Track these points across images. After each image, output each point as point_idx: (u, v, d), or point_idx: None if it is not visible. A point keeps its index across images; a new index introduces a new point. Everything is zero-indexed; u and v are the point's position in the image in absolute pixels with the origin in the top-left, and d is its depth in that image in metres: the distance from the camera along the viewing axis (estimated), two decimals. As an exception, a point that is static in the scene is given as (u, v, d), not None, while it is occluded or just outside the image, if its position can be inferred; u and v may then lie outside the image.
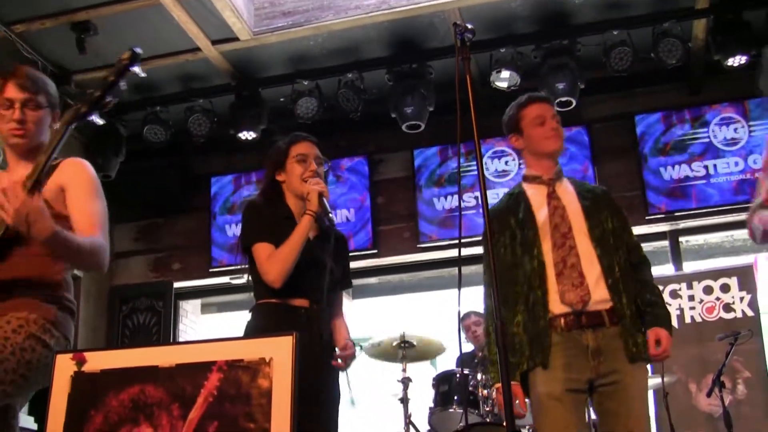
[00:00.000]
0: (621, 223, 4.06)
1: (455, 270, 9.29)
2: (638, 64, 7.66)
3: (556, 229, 3.91)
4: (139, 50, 3.30)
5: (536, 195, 4.06)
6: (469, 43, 3.52)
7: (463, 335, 7.63)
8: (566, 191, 4.07)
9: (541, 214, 3.98)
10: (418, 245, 8.73)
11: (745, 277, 7.79)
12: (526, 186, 4.15)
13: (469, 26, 3.49)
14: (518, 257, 3.94)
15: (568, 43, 7.71)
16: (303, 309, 3.82)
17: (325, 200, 3.92)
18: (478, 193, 8.38)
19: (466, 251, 8.46)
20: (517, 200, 4.08)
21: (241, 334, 3.83)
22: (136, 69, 3.30)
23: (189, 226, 9.37)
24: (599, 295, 3.79)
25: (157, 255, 9.52)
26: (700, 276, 7.94)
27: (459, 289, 3.45)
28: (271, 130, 8.02)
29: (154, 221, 9.57)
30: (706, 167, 8.14)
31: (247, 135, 8.17)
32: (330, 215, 3.93)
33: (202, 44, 7.70)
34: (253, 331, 3.83)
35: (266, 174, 4.18)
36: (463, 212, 8.57)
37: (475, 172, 8.30)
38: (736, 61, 7.43)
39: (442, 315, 9.55)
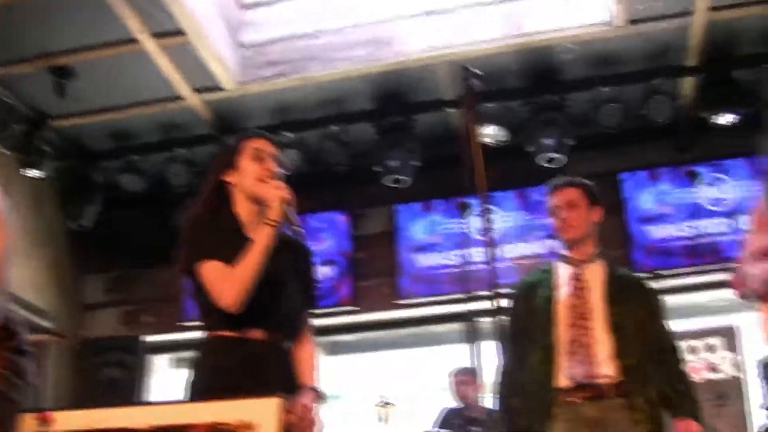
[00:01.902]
0: (650, 313, 4.13)
1: (435, 328, 9.23)
2: (626, 125, 7.58)
3: (573, 309, 4.03)
4: None
5: (564, 274, 4.19)
6: (476, 90, 3.35)
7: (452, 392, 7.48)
8: (595, 274, 4.16)
9: (563, 292, 4.11)
10: (398, 302, 8.54)
11: (731, 337, 7.70)
12: (559, 264, 4.27)
13: (478, 72, 3.33)
14: (534, 331, 4.06)
15: (557, 99, 7.62)
16: (258, 342, 3.15)
17: (290, 208, 3.20)
18: (463, 251, 8.22)
19: (448, 308, 8.34)
20: (546, 276, 4.24)
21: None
22: None
23: (163, 279, 9.10)
24: (606, 371, 3.86)
25: (129, 308, 9.26)
26: (685, 336, 7.80)
27: (472, 344, 3.34)
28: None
29: (127, 272, 9.32)
30: (692, 227, 8.05)
31: (227, 186, 7.94)
32: (296, 227, 3.23)
33: (184, 93, 7.55)
34: (197, 370, 3.22)
35: (211, 176, 3.43)
36: (447, 270, 8.43)
37: (460, 230, 8.21)
38: (725, 119, 7.37)
39: (420, 373, 9.40)
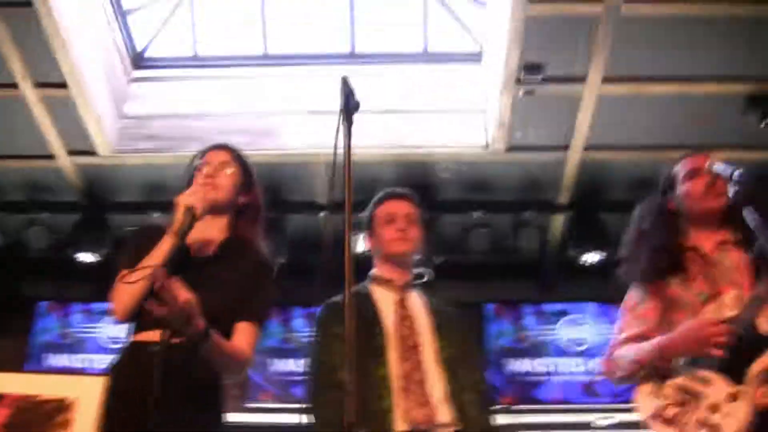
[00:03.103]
0: (471, 348, 3.70)
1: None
2: (494, 253, 7.66)
3: (403, 341, 3.48)
4: None
5: (384, 299, 3.61)
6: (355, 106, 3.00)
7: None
8: (416, 303, 3.65)
9: (389, 320, 3.53)
10: (246, 404, 8.27)
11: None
12: (373, 288, 3.68)
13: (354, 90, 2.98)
14: (359, 363, 3.26)
15: (429, 218, 7.64)
16: (154, 344, 2.82)
17: (194, 215, 2.91)
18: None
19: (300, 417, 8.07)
20: (361, 300, 3.57)
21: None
22: None
23: (3, 351, 8.66)
24: (443, 417, 3.38)
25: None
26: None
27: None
28: (110, 259, 7.55)
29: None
30: (548, 365, 8.09)
31: (84, 257, 7.65)
32: (185, 236, 2.90)
33: (58, 152, 7.33)
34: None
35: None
36: (299, 377, 8.26)
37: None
38: (590, 258, 7.51)
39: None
